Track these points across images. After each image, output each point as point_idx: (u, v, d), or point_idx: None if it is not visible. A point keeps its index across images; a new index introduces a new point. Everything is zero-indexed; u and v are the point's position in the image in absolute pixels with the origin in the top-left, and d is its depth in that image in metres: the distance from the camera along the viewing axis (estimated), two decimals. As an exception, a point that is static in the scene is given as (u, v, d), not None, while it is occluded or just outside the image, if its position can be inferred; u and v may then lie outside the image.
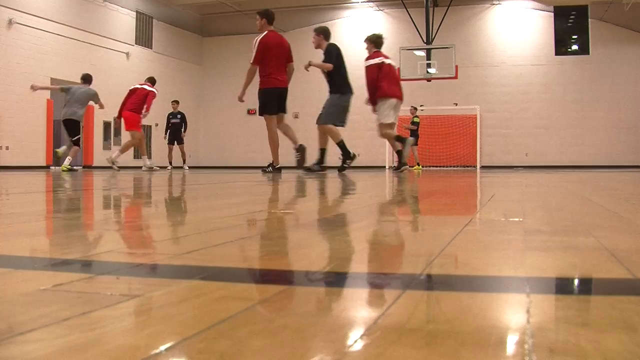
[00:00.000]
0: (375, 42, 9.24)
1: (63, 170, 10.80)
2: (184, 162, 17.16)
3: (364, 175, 8.75)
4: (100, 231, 1.69)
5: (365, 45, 9.42)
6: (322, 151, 8.91)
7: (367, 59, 9.25)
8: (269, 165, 8.88)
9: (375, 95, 9.06)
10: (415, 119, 18.50)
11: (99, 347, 0.56)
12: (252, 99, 25.31)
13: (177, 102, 17.25)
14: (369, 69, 9.12)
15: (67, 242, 1.41)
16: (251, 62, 8.34)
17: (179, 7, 22.58)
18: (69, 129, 11.56)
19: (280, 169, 8.83)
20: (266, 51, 8.18)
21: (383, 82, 8.98)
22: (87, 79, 12.13)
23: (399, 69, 9.11)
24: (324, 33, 8.89)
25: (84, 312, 0.69)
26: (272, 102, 8.35)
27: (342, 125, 8.94)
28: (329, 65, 8.63)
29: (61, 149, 11.71)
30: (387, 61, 9.17)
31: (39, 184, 5.53)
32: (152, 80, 12.52)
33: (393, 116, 9.34)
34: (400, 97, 9.34)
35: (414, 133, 18.03)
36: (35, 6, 16.92)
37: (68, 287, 0.83)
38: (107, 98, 19.43)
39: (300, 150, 8.54)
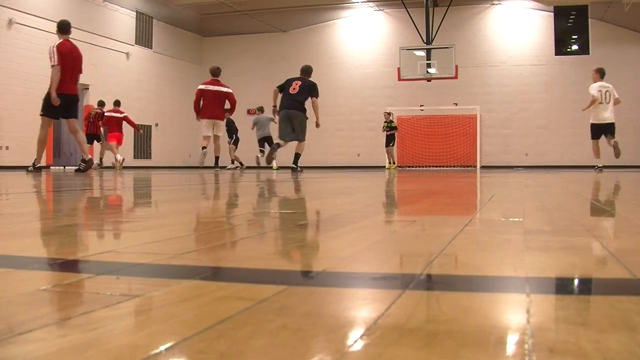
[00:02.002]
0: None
1: (274, 169, 13.01)
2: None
3: (364, 175, 8.75)
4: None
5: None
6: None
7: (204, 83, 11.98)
8: (32, 165, 9.25)
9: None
10: (392, 124, 19.71)
11: (99, 347, 0.56)
12: (252, 98, 25.17)
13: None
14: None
15: (68, 241, 1.41)
16: (54, 64, 8.70)
17: (179, 7, 22.57)
18: (266, 142, 16.19)
19: (40, 168, 9.24)
20: (61, 57, 8.63)
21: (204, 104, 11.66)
22: (262, 109, 17.26)
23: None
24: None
25: (84, 312, 0.69)
26: (57, 107, 8.65)
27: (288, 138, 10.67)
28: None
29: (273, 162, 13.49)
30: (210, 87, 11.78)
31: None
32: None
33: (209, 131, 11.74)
34: (211, 117, 11.73)
35: (392, 135, 19.56)
36: (35, 6, 16.92)
37: (68, 287, 0.83)
38: (107, 98, 19.43)
39: (88, 163, 9.01)
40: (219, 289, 0.83)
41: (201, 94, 11.69)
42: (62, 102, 8.62)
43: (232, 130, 17.60)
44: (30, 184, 5.20)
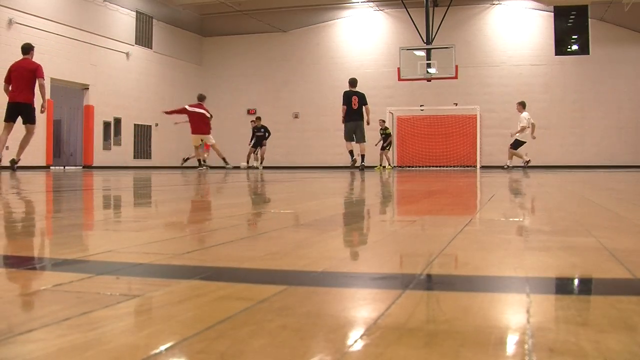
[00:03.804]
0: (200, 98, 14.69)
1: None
2: (261, 162, 19.82)
3: (364, 175, 8.75)
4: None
5: None
6: (359, 156, 13.71)
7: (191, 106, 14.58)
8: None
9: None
10: (387, 130, 20.27)
11: (99, 347, 0.56)
12: (252, 98, 25.05)
13: (259, 118, 20.26)
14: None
15: (68, 241, 1.41)
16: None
17: (179, 7, 22.57)
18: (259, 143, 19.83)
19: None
20: (9, 75, 10.38)
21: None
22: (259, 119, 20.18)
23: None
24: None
25: (84, 312, 0.69)
26: (7, 112, 10.32)
27: (353, 140, 13.66)
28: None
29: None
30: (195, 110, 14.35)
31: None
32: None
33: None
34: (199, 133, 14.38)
35: (386, 140, 20.23)
36: (35, 6, 16.91)
37: (68, 287, 0.83)
38: (107, 98, 19.45)
39: (12, 162, 10.41)
40: (219, 289, 0.83)
41: (184, 112, 14.42)
42: (15, 109, 10.21)
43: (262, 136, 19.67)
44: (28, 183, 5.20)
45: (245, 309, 0.71)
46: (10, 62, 17.17)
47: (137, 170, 13.40)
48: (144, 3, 21.32)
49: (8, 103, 10.37)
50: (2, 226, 1.74)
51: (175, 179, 6.94)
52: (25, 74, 10.20)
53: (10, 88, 10.26)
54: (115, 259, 1.13)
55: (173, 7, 22.37)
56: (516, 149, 15.96)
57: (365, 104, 13.52)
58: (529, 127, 15.64)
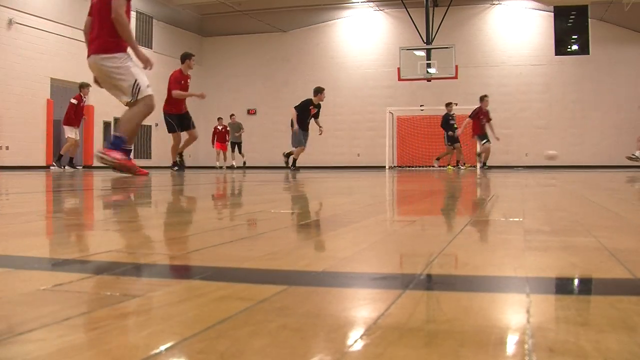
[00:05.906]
0: None
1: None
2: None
3: (364, 175, 8.75)
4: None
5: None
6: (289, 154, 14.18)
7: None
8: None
9: None
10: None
11: (99, 347, 0.56)
12: (252, 98, 25.03)
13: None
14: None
15: (68, 241, 1.41)
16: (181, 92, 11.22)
17: (179, 7, 22.58)
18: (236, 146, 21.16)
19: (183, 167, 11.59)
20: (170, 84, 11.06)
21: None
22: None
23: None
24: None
25: (84, 312, 0.69)
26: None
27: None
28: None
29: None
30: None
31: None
32: None
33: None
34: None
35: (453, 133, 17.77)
36: (35, 6, 16.91)
37: (68, 287, 0.83)
38: (107, 98, 19.43)
39: (180, 166, 11.37)
40: (219, 289, 0.83)
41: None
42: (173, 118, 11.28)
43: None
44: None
45: (245, 309, 0.71)
46: (10, 61, 17.13)
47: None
48: (144, 3, 21.33)
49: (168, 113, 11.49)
50: (3, 226, 1.74)
51: (167, 180, 6.94)
52: (169, 83, 11.20)
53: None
54: (116, 259, 1.13)
55: (173, 7, 22.38)
56: None
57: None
58: None
